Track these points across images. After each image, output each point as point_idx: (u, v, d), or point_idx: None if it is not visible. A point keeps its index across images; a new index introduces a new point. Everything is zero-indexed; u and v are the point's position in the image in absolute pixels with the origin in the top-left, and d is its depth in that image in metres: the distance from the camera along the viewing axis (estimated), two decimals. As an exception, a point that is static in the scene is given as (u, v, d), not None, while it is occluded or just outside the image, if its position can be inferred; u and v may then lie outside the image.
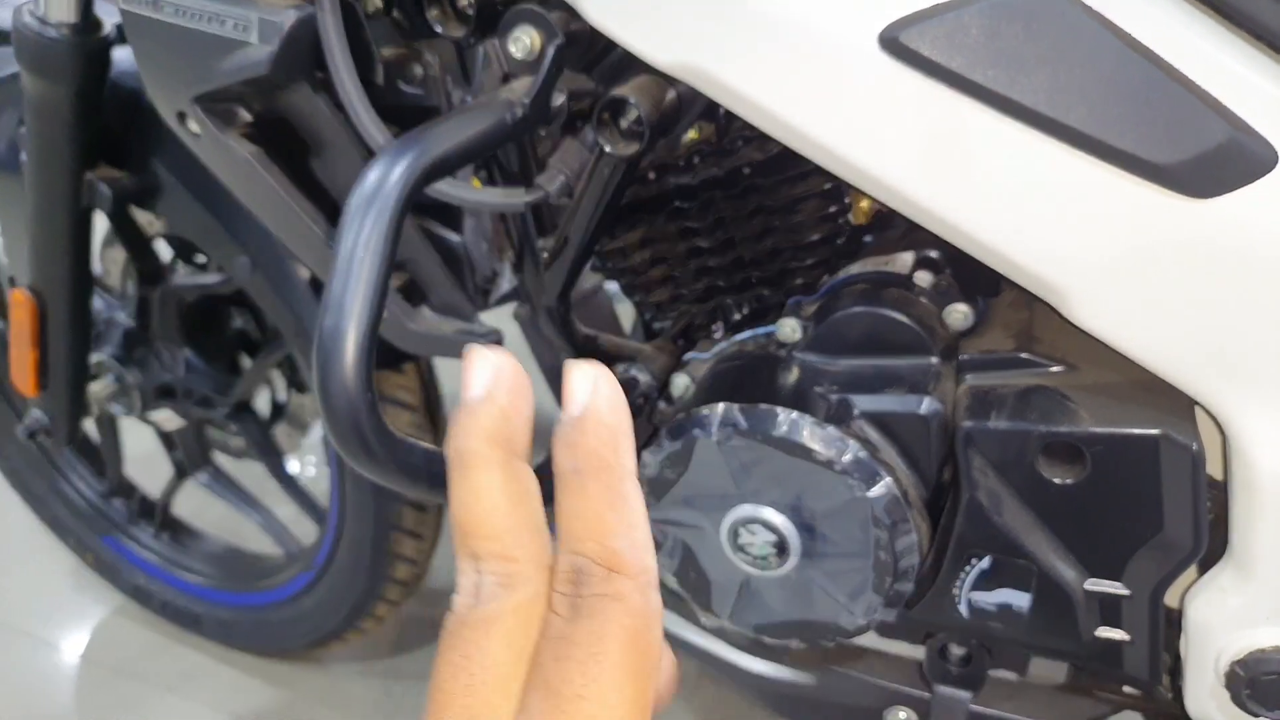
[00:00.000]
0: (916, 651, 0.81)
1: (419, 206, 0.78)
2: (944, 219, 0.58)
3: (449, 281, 0.76)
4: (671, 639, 0.92)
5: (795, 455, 0.67)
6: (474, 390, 0.31)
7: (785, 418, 0.67)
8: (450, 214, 0.78)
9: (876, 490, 0.66)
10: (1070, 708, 0.78)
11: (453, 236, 0.78)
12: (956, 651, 0.78)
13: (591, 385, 0.31)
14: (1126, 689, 0.77)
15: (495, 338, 0.75)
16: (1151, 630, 0.66)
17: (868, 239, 0.81)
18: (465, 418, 0.30)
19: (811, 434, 0.66)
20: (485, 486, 0.29)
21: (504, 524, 0.29)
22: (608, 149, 0.64)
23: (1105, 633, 0.67)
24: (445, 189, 0.67)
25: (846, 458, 0.66)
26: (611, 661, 0.27)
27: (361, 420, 0.48)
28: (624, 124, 0.64)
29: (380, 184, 0.52)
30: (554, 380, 0.89)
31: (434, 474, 0.53)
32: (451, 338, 0.76)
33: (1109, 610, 0.67)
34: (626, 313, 1.06)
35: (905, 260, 0.73)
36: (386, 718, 1.35)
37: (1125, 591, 0.65)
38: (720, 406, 0.69)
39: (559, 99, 0.63)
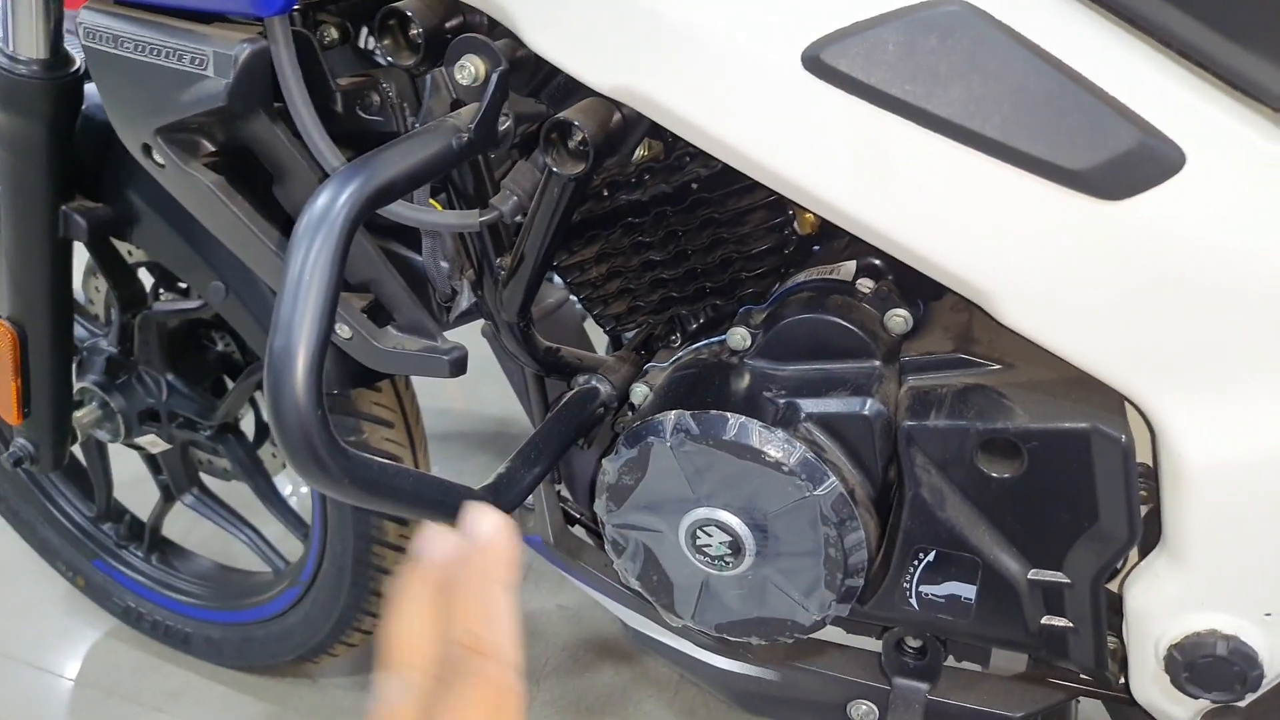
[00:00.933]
0: (877, 645, 0.83)
1: (381, 229, 0.80)
2: (874, 228, 0.61)
3: (412, 301, 0.78)
4: (644, 641, 0.94)
5: (745, 458, 0.69)
6: (427, 550, 0.37)
7: (734, 422, 0.69)
8: (412, 235, 0.81)
9: (823, 489, 0.68)
10: (1026, 696, 0.80)
11: (415, 257, 0.80)
12: (912, 644, 0.80)
13: (493, 523, 0.37)
14: (1082, 676, 0.80)
15: (459, 354, 0.77)
16: (1094, 618, 0.68)
17: (815, 248, 0.84)
18: (415, 572, 0.37)
19: (760, 437, 0.69)
20: (413, 613, 0.35)
21: (415, 639, 0.34)
22: (555, 169, 0.67)
23: (1050, 621, 0.69)
24: (403, 211, 0.69)
25: (794, 459, 0.68)
26: None
27: (313, 436, 0.51)
28: (570, 145, 0.66)
29: (328, 208, 0.54)
30: (521, 392, 0.92)
31: (387, 487, 0.55)
32: (417, 355, 0.78)
33: (1052, 600, 0.69)
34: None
35: (848, 268, 0.76)
36: (376, 730, 1.37)
37: (1066, 581, 0.68)
38: (673, 413, 0.71)
39: (505, 123, 0.66)
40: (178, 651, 1.46)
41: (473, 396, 2.47)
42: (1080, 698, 0.81)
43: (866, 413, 0.69)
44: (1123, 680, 0.71)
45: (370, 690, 1.43)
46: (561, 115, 0.65)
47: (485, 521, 0.37)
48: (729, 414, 0.70)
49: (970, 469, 0.67)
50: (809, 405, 0.71)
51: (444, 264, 0.75)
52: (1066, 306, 0.60)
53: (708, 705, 1.40)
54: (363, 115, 0.76)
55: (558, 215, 0.71)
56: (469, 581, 0.35)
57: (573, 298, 0.96)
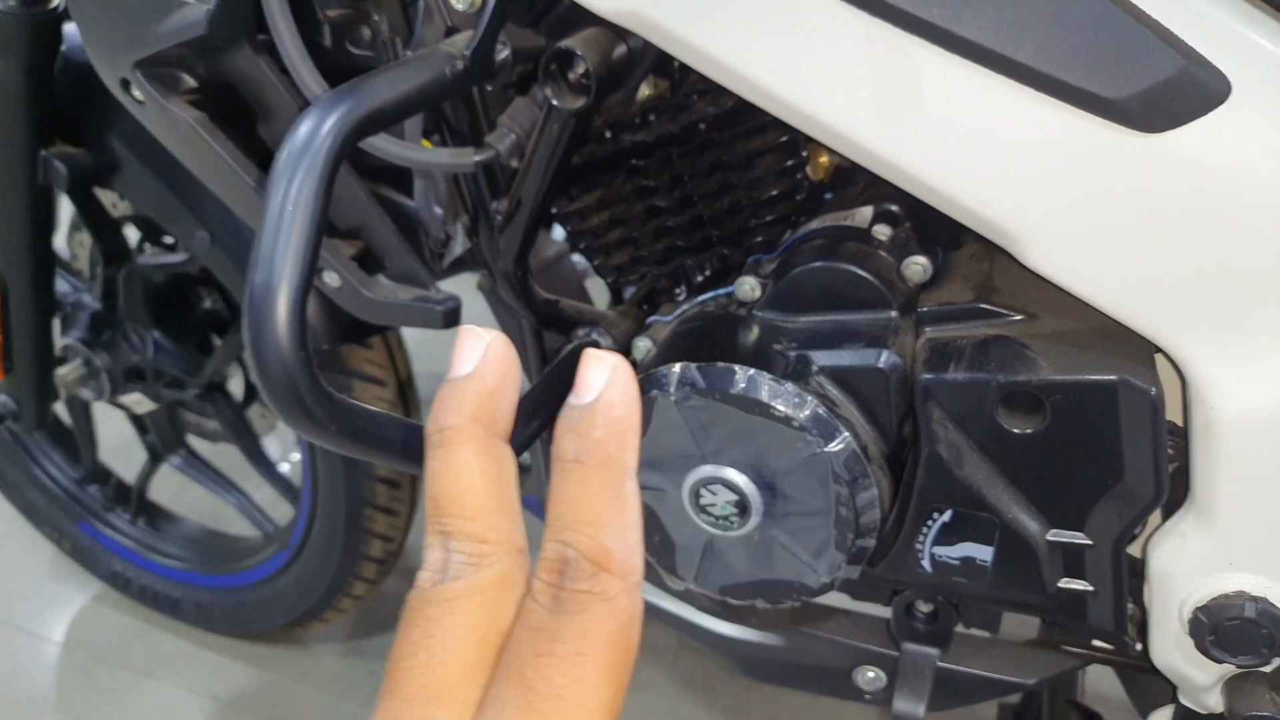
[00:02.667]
0: (885, 611, 0.80)
1: (370, 171, 0.76)
2: (895, 164, 0.57)
3: (403, 248, 0.75)
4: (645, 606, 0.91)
5: (753, 413, 0.66)
6: (462, 367, 0.30)
7: (742, 375, 0.66)
8: (404, 179, 0.77)
9: (835, 445, 0.65)
10: (1038, 662, 0.77)
11: (407, 202, 0.77)
12: (923, 609, 0.77)
13: (607, 375, 0.29)
14: (1095, 642, 0.77)
15: (453, 304, 0.74)
16: (1115, 580, 0.65)
17: (828, 196, 0.80)
18: (450, 393, 0.29)
19: (769, 390, 0.65)
20: (464, 464, 0.28)
21: (479, 503, 0.28)
22: (555, 103, 0.63)
23: (1069, 584, 0.67)
24: (394, 150, 0.66)
25: (804, 414, 0.65)
26: (594, 664, 0.26)
27: (296, 379, 0.47)
28: (572, 77, 0.62)
29: (311, 137, 0.50)
30: (518, 348, 0.88)
31: (376, 435, 0.52)
32: (409, 305, 0.75)
33: (1072, 561, 0.66)
34: (600, 287, 1.06)
35: (864, 214, 0.72)
36: (369, 697, 1.35)
37: (1087, 541, 0.65)
38: (677, 366, 0.68)
39: (503, 53, 0.62)
40: (166, 617, 1.44)
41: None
42: (1089, 665, 0.78)
43: (882, 365, 0.66)
44: (1140, 646, 0.68)
45: (363, 657, 1.41)
46: (563, 44, 0.61)
47: (614, 378, 0.28)
48: (736, 366, 0.66)
49: (990, 424, 0.63)
50: (821, 358, 0.67)
51: (437, 209, 0.72)
52: (1097, 248, 0.56)
53: (705, 672, 1.38)
54: (352, 50, 0.72)
55: (557, 155, 0.67)
56: (597, 462, 0.27)
57: (574, 252, 0.92)
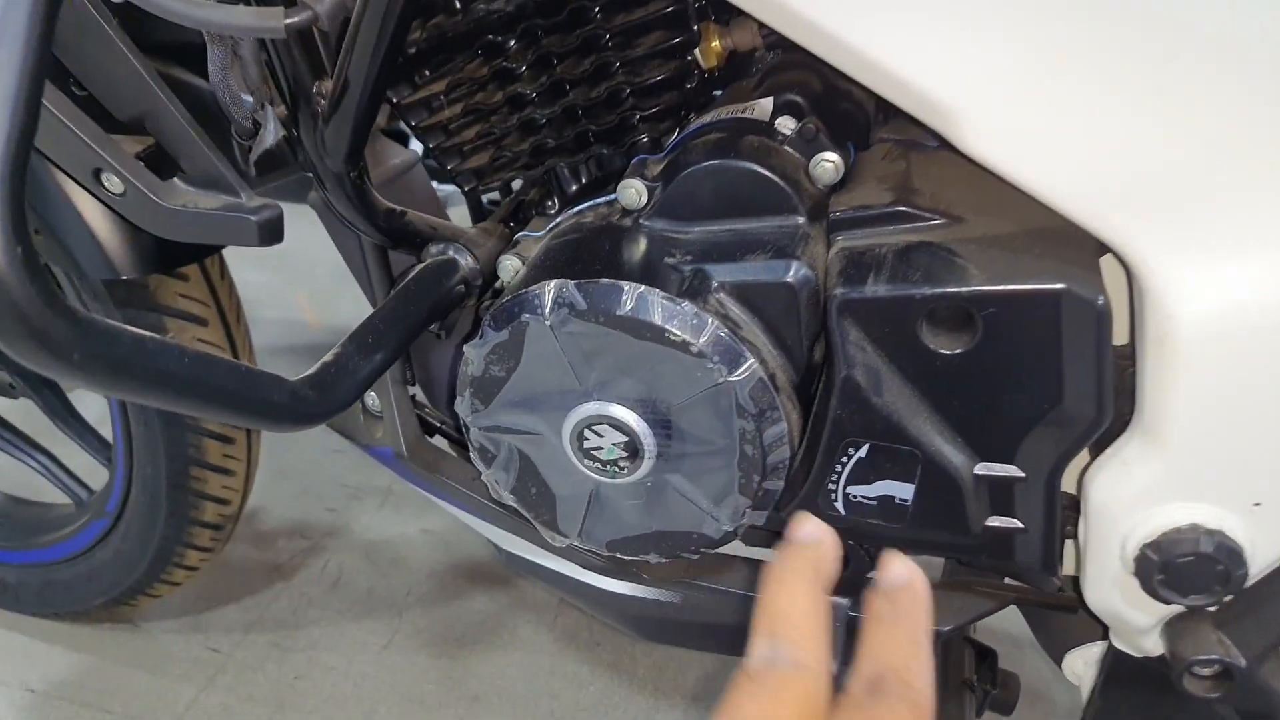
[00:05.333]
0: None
1: (160, 48, 0.61)
2: (821, 26, 0.47)
3: (204, 143, 0.60)
4: (520, 565, 0.81)
5: (644, 337, 0.55)
6: (807, 533, 0.40)
7: (630, 293, 0.55)
8: (198, 59, 0.61)
9: (740, 374, 0.55)
10: (953, 607, 0.71)
11: (205, 86, 0.61)
12: (833, 555, 0.69)
13: (911, 568, 0.39)
14: (1009, 581, 0.71)
15: (270, 213, 0.60)
16: (1048, 516, 0.58)
17: (717, 93, 0.69)
18: (798, 547, 0.40)
19: (662, 311, 0.55)
20: (798, 591, 0.37)
21: (803, 621, 0.36)
22: (387, -50, 0.49)
23: (997, 522, 0.59)
24: (178, 6, 0.51)
25: (704, 337, 0.55)
26: None
27: (10, 282, 0.34)
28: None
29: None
30: (359, 271, 0.74)
31: (150, 369, 0.38)
32: (215, 215, 0.60)
33: (1000, 497, 0.59)
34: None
35: (764, 107, 0.62)
36: (211, 677, 1.20)
37: (1019, 474, 0.57)
38: (552, 283, 0.57)
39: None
40: (-38, 600, 1.24)
41: (327, 307, 2.24)
42: (1005, 608, 0.73)
43: (790, 279, 0.56)
44: (1063, 587, 0.62)
45: (204, 634, 1.26)
46: None
47: (908, 571, 0.39)
48: (623, 283, 0.55)
49: (913, 344, 0.55)
50: (720, 272, 0.57)
51: (245, 96, 0.57)
52: (1047, 126, 0.48)
53: (590, 628, 1.29)
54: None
55: (392, 22, 0.54)
56: (906, 617, 0.37)
57: (426, 158, 0.78)
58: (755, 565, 0.75)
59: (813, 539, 0.40)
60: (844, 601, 0.70)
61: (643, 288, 0.55)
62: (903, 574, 0.39)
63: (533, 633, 1.28)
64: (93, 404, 1.35)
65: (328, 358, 0.54)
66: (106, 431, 1.09)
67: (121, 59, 0.57)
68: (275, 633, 1.27)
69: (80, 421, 1.12)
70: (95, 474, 1.18)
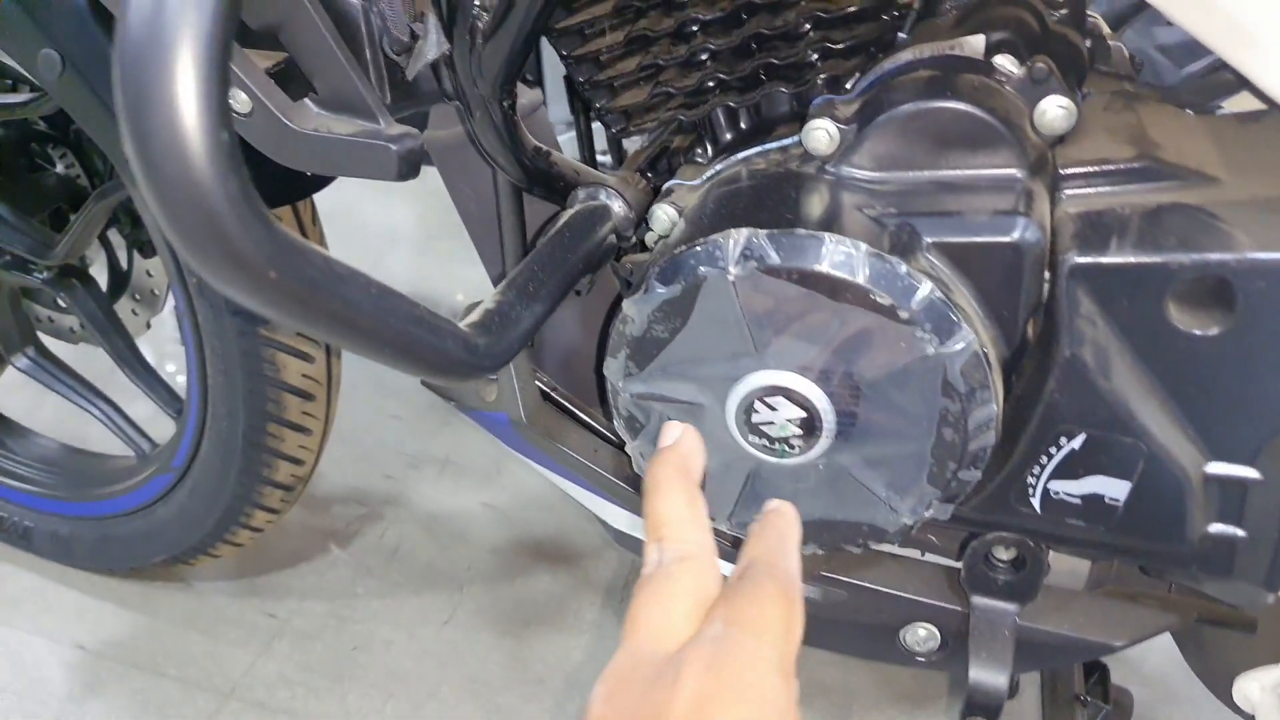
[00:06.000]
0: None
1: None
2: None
3: (344, 61, 0.53)
4: (636, 547, 0.75)
5: (844, 299, 0.48)
6: (667, 438, 0.47)
7: (834, 246, 0.48)
8: (344, -35, 0.55)
9: (954, 346, 0.48)
10: (1130, 619, 0.64)
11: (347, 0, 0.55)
12: (1003, 556, 0.63)
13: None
14: (1200, 594, 0.64)
15: (412, 142, 0.53)
16: (1283, 525, 0.51)
17: (901, 35, 0.61)
18: (663, 452, 0.45)
19: (871, 269, 0.48)
20: (673, 493, 0.43)
21: (681, 518, 0.42)
22: None
23: (1220, 530, 0.52)
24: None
25: (916, 302, 0.48)
26: (772, 608, 0.38)
27: (213, 187, 0.27)
28: None
29: None
30: (477, 217, 0.67)
31: (340, 299, 0.32)
32: (352, 142, 0.53)
33: (1229, 502, 0.52)
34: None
35: (974, 44, 0.54)
36: (267, 643, 1.15)
37: (1257, 476, 0.50)
38: (742, 232, 0.50)
39: None
40: (16, 549, 1.19)
41: (374, 268, 2.17)
42: (1185, 625, 0.66)
43: (1017, 239, 0.49)
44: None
45: (261, 598, 1.20)
46: None
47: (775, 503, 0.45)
48: (827, 235, 0.48)
49: (1157, 321, 0.48)
50: (932, 228, 0.50)
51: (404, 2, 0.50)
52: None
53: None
54: None
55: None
56: (767, 527, 0.43)
57: (577, 91, 0.71)
58: (903, 561, 0.68)
59: (673, 438, 0.45)
60: (1011, 607, 0.63)
61: (848, 241, 0.48)
62: (772, 503, 0.45)
63: (599, 615, 1.22)
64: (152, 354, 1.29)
65: (489, 304, 0.47)
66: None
67: (262, -44, 0.50)
68: (333, 601, 1.22)
69: (150, 370, 1.06)
70: (155, 425, 1.13)
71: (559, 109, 1.55)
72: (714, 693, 0.33)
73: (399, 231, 2.26)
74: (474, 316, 0.46)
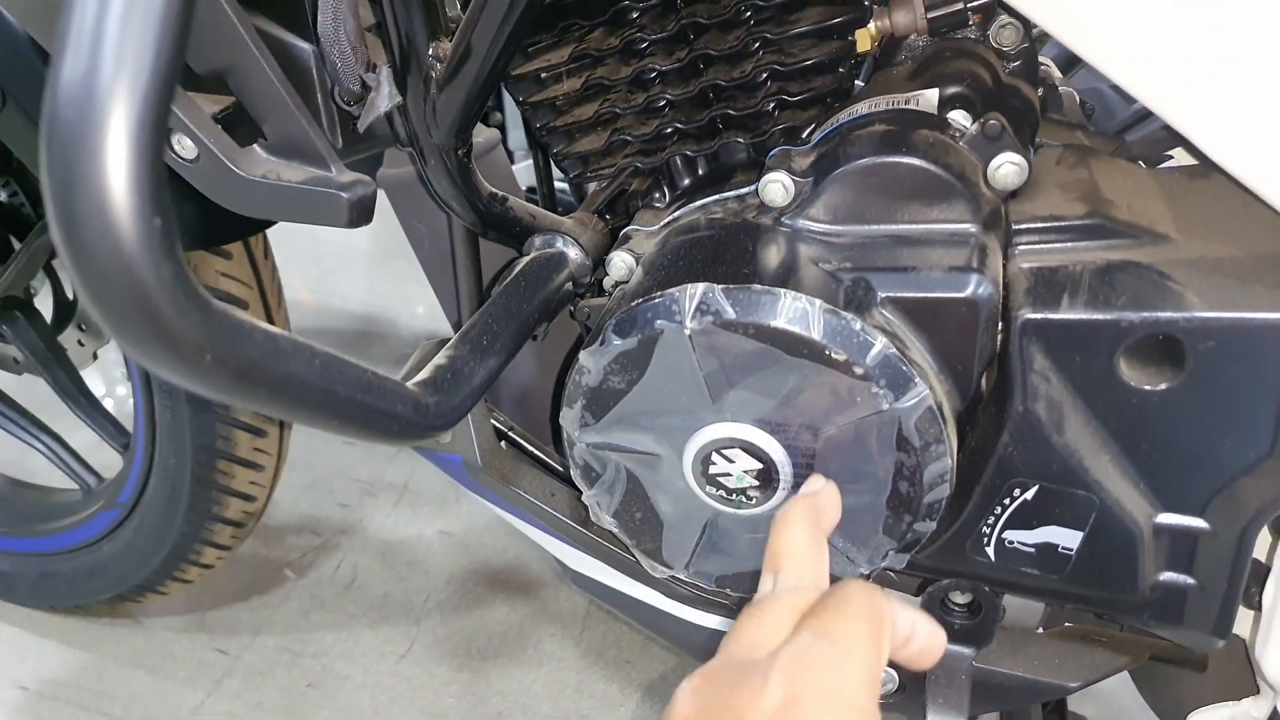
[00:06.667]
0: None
1: (248, -5, 0.53)
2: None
3: (294, 106, 0.52)
4: (590, 587, 0.74)
5: (800, 354, 0.48)
6: (809, 488, 0.49)
7: (789, 302, 0.48)
8: (295, 11, 0.54)
9: (908, 401, 0.48)
10: (1083, 661, 0.64)
11: (297, 43, 0.54)
12: (959, 600, 0.63)
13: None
14: (1147, 636, 0.65)
15: (364, 190, 0.52)
16: (1232, 575, 0.52)
17: (858, 83, 0.62)
18: (800, 498, 0.48)
19: (825, 325, 0.48)
20: (799, 533, 0.45)
21: (802, 556, 0.44)
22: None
23: (1170, 579, 0.53)
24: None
25: (871, 357, 0.48)
26: (856, 619, 0.39)
27: (147, 276, 0.26)
28: None
29: None
30: (431, 261, 0.67)
31: (281, 374, 0.31)
32: (301, 190, 0.52)
33: (1179, 552, 0.52)
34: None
35: (929, 98, 0.55)
36: (218, 681, 1.12)
37: (1206, 528, 0.51)
38: (698, 287, 0.49)
39: None
40: (-47, 588, 1.16)
41: (326, 288, 2.14)
42: (1138, 664, 0.66)
43: (970, 295, 0.49)
44: (1247, 651, 0.56)
45: (210, 634, 1.17)
46: None
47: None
48: (783, 291, 0.48)
49: (1108, 377, 0.48)
50: (886, 283, 0.50)
51: (346, 44, 0.49)
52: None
53: (619, 644, 1.22)
54: None
55: (532, -17, 0.46)
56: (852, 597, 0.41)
57: (538, 135, 0.70)
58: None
59: (814, 490, 0.47)
60: (968, 651, 0.64)
61: (803, 297, 0.48)
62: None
63: (558, 646, 1.21)
64: (99, 385, 1.26)
65: (440, 360, 0.46)
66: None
67: (210, 3, 0.49)
68: (285, 636, 1.19)
69: (94, 403, 1.03)
70: (100, 457, 1.10)
71: (519, 134, 1.54)
72: (802, 695, 0.35)
73: (354, 251, 2.23)
74: (425, 374, 0.45)
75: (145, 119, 0.25)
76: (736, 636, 0.40)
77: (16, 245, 0.96)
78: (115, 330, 0.27)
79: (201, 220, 0.70)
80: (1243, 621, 0.58)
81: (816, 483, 0.48)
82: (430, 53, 0.50)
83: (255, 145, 0.55)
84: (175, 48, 0.26)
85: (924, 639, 0.42)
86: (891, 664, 0.66)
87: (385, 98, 0.50)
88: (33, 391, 1.13)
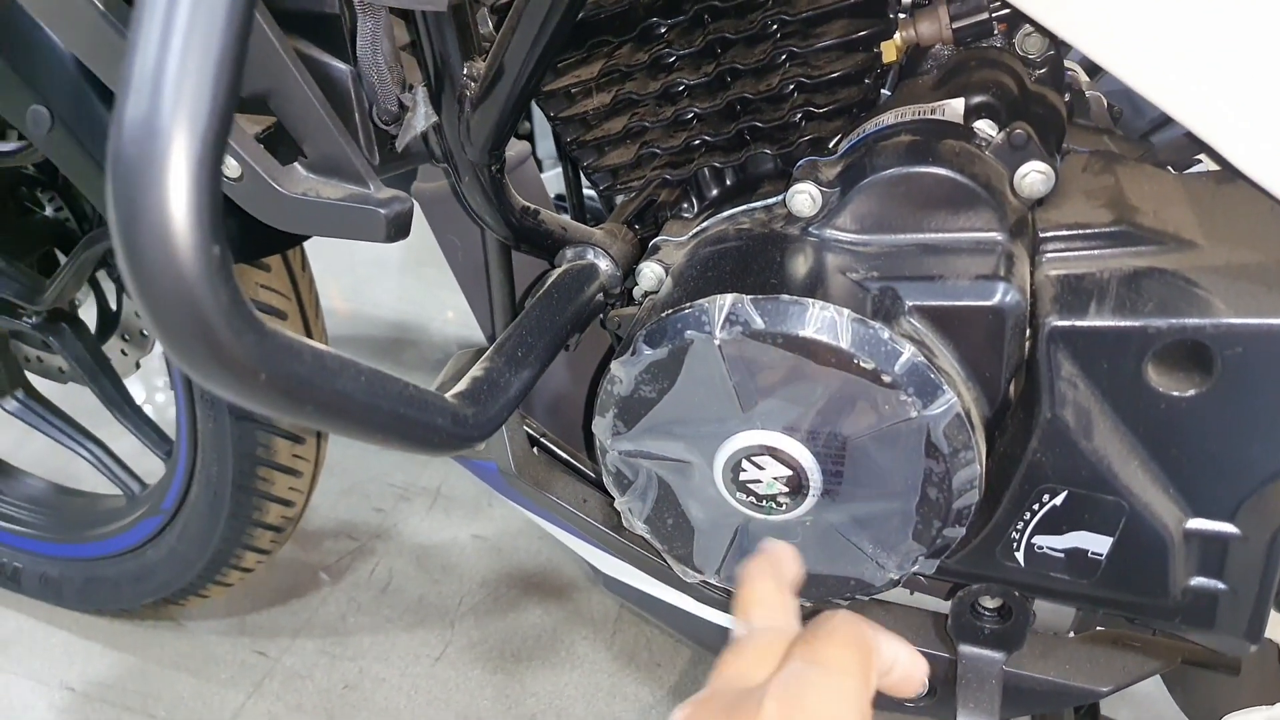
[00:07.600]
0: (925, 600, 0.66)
1: (289, 18, 0.55)
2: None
3: (332, 126, 0.53)
4: (623, 591, 0.75)
5: (829, 363, 0.49)
6: (768, 546, 0.47)
7: (817, 312, 0.49)
8: (333, 34, 0.55)
9: (936, 408, 0.49)
10: (1114, 664, 0.65)
11: (336, 65, 0.55)
12: (989, 604, 0.63)
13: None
14: (1180, 640, 0.65)
15: (401, 206, 0.54)
16: (1263, 579, 0.52)
17: (884, 93, 0.63)
18: (759, 557, 0.47)
19: (854, 334, 0.49)
20: (765, 587, 0.45)
21: (770, 603, 0.44)
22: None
23: (1199, 584, 0.53)
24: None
25: (899, 365, 0.49)
26: (844, 647, 0.39)
27: (205, 294, 0.27)
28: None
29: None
30: (467, 273, 0.68)
31: (328, 390, 0.32)
32: (340, 207, 0.54)
33: (1209, 557, 0.52)
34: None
35: (954, 108, 0.55)
36: (258, 683, 1.14)
37: (1237, 533, 0.51)
38: (727, 298, 0.50)
39: None
40: (5, 591, 1.19)
41: (360, 295, 2.17)
42: (1169, 669, 0.66)
43: (998, 303, 0.50)
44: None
45: (252, 637, 1.20)
46: None
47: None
48: (811, 301, 0.49)
49: (1136, 383, 0.49)
50: (914, 292, 0.51)
51: (383, 65, 0.51)
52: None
53: (650, 647, 1.23)
54: None
55: (561, 7, 0.47)
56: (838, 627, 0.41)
57: (567, 150, 0.72)
58: (889, 608, 0.69)
59: (770, 551, 0.48)
60: (998, 656, 0.64)
61: (831, 307, 0.49)
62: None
63: (590, 649, 1.22)
64: (140, 392, 1.29)
65: (477, 372, 0.48)
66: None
67: (254, 29, 0.50)
68: (324, 639, 1.21)
69: (137, 412, 1.06)
70: (144, 464, 1.13)
71: (547, 144, 1.56)
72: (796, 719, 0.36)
73: (386, 259, 2.26)
74: (462, 386, 0.46)
75: (204, 155, 0.27)
76: (724, 670, 0.40)
77: (63, 259, 0.98)
78: (177, 354, 0.28)
79: (243, 235, 0.72)
80: (1275, 625, 0.58)
81: (770, 544, 0.48)
82: (464, 72, 0.52)
83: (296, 164, 0.56)
84: (230, 87, 0.27)
85: (905, 667, 0.42)
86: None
87: (422, 117, 0.51)
88: (79, 400, 1.16)
